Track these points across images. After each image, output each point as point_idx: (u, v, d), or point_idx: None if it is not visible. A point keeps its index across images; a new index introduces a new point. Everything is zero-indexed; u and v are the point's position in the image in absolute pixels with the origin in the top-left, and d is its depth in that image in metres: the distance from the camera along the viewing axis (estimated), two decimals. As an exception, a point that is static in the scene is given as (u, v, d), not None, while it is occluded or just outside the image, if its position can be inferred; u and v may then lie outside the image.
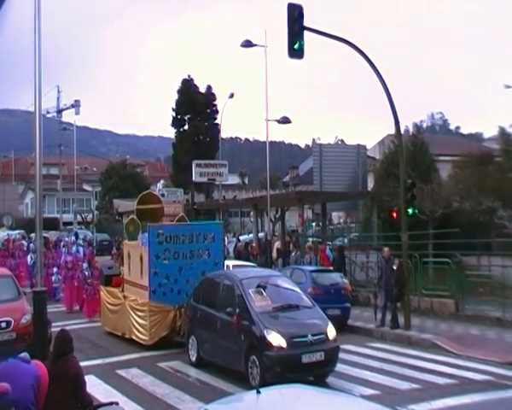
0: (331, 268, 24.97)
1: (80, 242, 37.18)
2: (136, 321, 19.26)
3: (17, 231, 52.41)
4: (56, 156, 72.22)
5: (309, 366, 13.85)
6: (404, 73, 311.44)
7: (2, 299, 18.43)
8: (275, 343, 13.75)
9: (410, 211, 21.55)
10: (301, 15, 19.69)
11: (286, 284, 16.47)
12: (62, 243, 36.36)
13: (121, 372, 16.23)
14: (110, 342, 20.32)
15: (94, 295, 24.50)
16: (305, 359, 13.76)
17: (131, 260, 20.43)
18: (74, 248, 32.47)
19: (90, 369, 14.66)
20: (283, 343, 13.76)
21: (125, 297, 20.41)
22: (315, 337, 14.12)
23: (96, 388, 13.31)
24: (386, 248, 22.78)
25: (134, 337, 19.35)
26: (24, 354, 7.31)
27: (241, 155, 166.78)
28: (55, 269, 30.32)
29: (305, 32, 19.83)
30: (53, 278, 30.18)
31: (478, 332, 20.29)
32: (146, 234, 19.22)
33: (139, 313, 19.15)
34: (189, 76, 63.53)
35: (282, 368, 13.45)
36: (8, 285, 19.33)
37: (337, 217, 60.25)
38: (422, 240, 29.09)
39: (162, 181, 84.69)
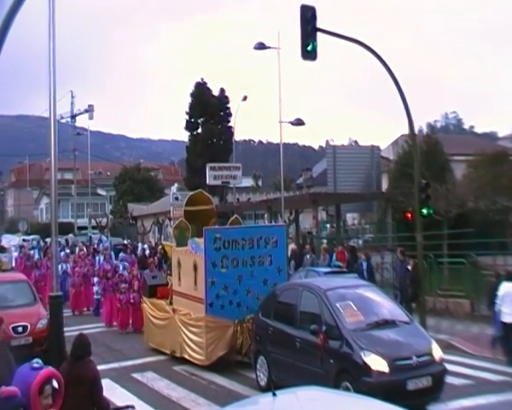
0: (345, 269, 24.83)
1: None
2: (190, 338, 17.08)
3: (32, 237, 52.70)
4: (70, 161, 72.56)
5: (415, 394, 11.64)
6: (417, 73, 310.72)
7: (19, 304, 18.58)
8: (375, 367, 11.63)
9: (424, 211, 21.46)
10: (314, 17, 19.68)
11: (377, 295, 14.26)
12: (95, 249, 35.79)
13: (137, 376, 16.31)
14: (125, 346, 20.38)
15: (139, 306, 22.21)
16: (411, 385, 11.65)
17: (182, 268, 18.23)
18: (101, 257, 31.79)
19: (105, 373, 14.70)
20: (385, 368, 11.65)
21: (174, 311, 18.26)
22: (420, 359, 12.01)
23: (111, 391, 13.33)
24: (399, 250, 22.83)
25: (187, 356, 17.20)
26: (36, 360, 7.35)
27: (254, 157, 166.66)
28: (95, 279, 27.35)
29: (319, 34, 19.82)
30: (94, 288, 27.40)
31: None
32: (196, 239, 17.57)
33: (193, 330, 16.97)
34: (202, 79, 63.62)
35: (383, 397, 10.75)
36: (25, 290, 19.46)
37: (351, 218, 60.14)
38: (437, 240, 28.98)
39: (176, 184, 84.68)
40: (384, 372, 11.61)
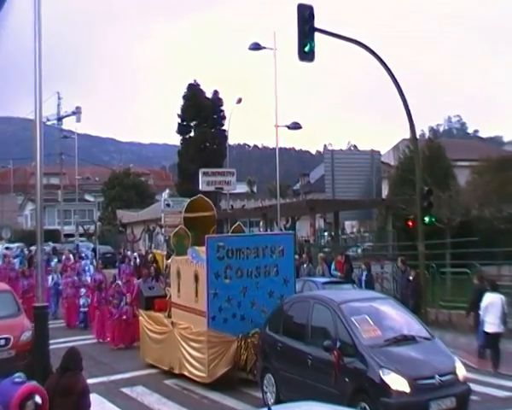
0: (343, 280, 24.85)
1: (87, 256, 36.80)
2: (190, 354, 16.67)
3: (16, 245, 52.60)
4: (57, 165, 72.52)
5: None
6: (419, 75, 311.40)
7: (1, 315, 18.39)
8: (395, 387, 11.24)
9: (426, 219, 21.56)
10: (312, 16, 19.72)
11: (394, 308, 13.89)
12: (81, 257, 35.57)
13: (126, 390, 16.28)
14: (114, 359, 20.32)
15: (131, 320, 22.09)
16: (434, 407, 11.28)
17: (182, 279, 17.84)
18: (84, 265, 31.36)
19: (93, 387, 14.59)
20: (406, 387, 11.26)
21: (173, 324, 17.85)
22: (443, 378, 11.60)
23: (99, 407, 13.32)
24: (399, 259, 22.91)
25: (186, 373, 16.82)
26: (18, 375, 7.38)
27: (249, 162, 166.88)
28: (82, 290, 26.88)
29: (316, 34, 19.85)
30: (81, 301, 26.78)
31: (499, 346, 20.13)
32: (196, 248, 17.32)
33: (194, 345, 16.57)
34: (194, 81, 63.80)
35: None
36: (7, 301, 19.29)
37: (350, 226, 60.21)
38: (440, 249, 28.96)
39: (167, 190, 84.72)
40: (405, 392, 11.25)
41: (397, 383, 11.27)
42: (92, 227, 68.79)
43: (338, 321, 12.65)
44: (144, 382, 17.07)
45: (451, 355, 12.64)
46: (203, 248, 16.61)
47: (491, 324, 17.17)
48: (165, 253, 36.39)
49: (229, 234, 18.90)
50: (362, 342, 12.03)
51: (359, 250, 40.02)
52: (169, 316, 18.49)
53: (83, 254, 39.91)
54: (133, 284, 23.55)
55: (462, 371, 12.14)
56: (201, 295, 16.50)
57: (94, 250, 51.83)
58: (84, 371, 9.30)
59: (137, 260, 36.26)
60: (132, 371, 18.51)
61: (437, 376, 11.55)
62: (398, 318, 13.43)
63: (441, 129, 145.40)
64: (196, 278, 16.84)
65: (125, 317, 22.33)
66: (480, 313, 17.53)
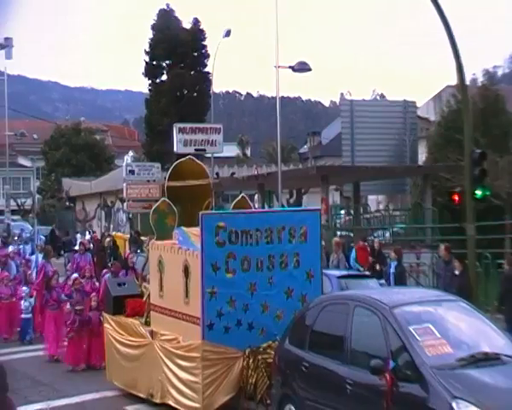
0: (367, 273, 24.81)
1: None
2: (178, 376, 15.86)
3: None
4: (-20, 118, 72.24)
5: None
6: (472, 2, 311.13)
7: None
8: None
9: (478, 193, 21.49)
10: None
11: (469, 315, 12.98)
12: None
13: (71, 420, 16.22)
14: (56, 379, 20.06)
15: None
16: None
17: (166, 272, 17.18)
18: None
19: (28, 416, 14.62)
20: None
21: (152, 334, 17.10)
22: None
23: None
24: (443, 246, 22.74)
25: (172, 403, 16.00)
26: None
27: (241, 116, 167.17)
28: (25, 288, 25.71)
29: None
30: (23, 304, 25.36)
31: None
32: (184, 229, 16.87)
33: (182, 363, 15.75)
34: (168, 6, 63.52)
35: None
36: None
37: (375, 202, 60.25)
38: (497, 234, 28.96)
39: (131, 153, 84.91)
40: None
41: None
42: (29, 201, 68.69)
43: (391, 332, 11.83)
44: (97, 407, 17.03)
45: None
46: (196, 230, 16.11)
47: None
48: (128, 236, 36.49)
49: (232, 210, 18.19)
50: (425, 362, 11.15)
51: (387, 234, 40.00)
52: (147, 323, 17.86)
53: (16, 238, 39.83)
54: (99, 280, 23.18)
55: None
56: (194, 294, 15.93)
57: (52, 233, 51.26)
58: (16, 394, 9.20)
59: (91, 245, 36.15)
60: (82, 393, 18.24)
61: None
62: (475, 328, 12.65)
63: (500, 72, 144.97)
64: (186, 270, 16.22)
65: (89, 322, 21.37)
66: None
